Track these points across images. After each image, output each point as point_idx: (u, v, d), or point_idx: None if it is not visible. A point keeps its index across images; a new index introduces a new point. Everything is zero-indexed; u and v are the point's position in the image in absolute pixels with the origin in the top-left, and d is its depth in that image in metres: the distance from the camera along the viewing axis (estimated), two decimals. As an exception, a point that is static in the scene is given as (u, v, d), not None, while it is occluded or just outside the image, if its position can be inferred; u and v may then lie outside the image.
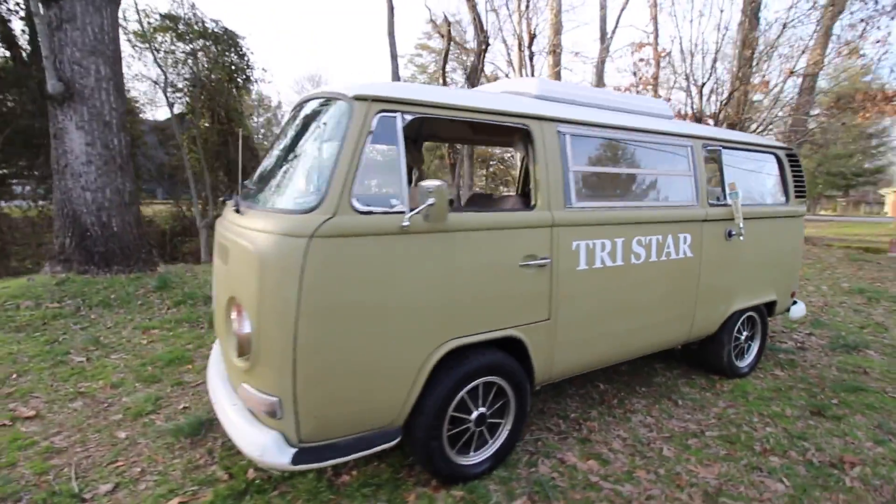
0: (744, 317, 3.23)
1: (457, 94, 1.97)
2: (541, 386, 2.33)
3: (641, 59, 14.93)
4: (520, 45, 13.24)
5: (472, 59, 13.05)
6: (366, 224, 1.65)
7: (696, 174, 2.77)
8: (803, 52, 10.97)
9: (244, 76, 10.69)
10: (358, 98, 1.71)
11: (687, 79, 12.66)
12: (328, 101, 1.85)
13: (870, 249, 10.59)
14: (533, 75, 14.20)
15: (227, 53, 10.41)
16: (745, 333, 3.32)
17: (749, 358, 3.38)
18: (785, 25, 10.46)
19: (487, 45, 9.93)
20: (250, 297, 1.63)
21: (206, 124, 9.75)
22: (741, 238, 2.96)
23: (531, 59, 13.92)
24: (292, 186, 1.79)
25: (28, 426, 2.31)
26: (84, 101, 4.32)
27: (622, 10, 21.47)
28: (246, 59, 10.80)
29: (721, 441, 2.48)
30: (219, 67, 10.10)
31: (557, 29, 12.55)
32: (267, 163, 2.17)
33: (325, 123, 1.81)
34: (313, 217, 1.59)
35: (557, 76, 12.69)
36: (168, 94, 9.57)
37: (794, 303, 3.66)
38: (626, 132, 2.46)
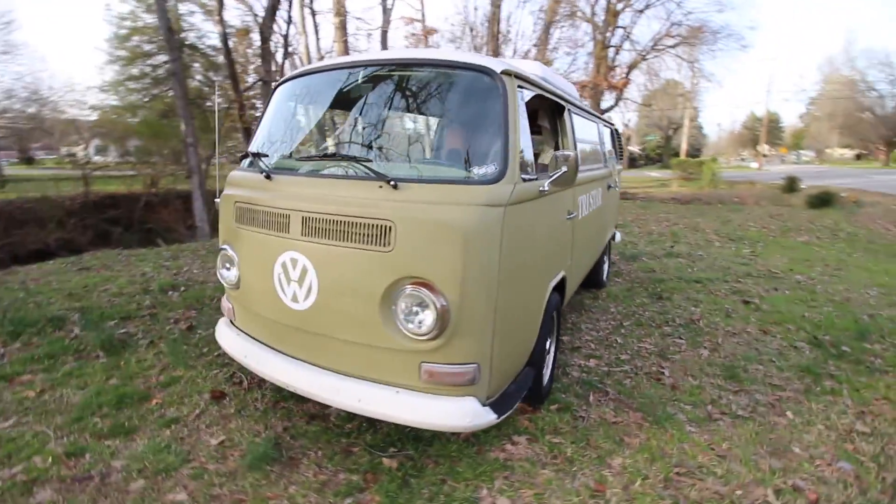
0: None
1: (550, 79, 2.23)
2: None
3: (413, 34, 16.11)
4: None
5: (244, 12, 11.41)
6: (527, 190, 1.83)
7: (603, 145, 3.76)
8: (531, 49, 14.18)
9: None
10: (506, 73, 1.80)
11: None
12: (461, 72, 1.83)
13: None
14: (317, 36, 13.48)
15: None
16: (605, 256, 4.71)
17: (605, 272, 4.83)
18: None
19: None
20: (451, 271, 1.60)
21: None
22: (617, 189, 4.19)
23: (314, 16, 13.17)
24: (457, 157, 1.75)
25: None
26: None
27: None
28: None
29: (635, 326, 3.65)
30: None
31: (342, -11, 12.22)
32: (359, 129, 1.90)
33: (471, 95, 1.80)
34: (503, 187, 1.68)
35: (346, 45, 12.49)
36: None
37: (616, 232, 5.33)
38: (588, 114, 3.17)
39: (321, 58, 12.65)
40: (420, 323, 1.65)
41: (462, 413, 1.69)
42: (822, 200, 11.22)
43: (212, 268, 4.89)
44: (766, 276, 5.16)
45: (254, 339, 2.15)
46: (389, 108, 1.95)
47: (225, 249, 2.18)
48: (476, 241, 1.61)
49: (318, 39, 12.87)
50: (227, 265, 2.19)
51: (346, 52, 12.47)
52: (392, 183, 1.65)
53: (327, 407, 2.32)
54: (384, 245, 1.66)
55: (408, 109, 1.92)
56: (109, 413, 2.18)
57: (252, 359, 2.05)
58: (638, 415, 2.38)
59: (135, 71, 18.22)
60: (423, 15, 15.59)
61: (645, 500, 1.78)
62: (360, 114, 2.04)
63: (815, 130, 50.27)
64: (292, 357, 1.98)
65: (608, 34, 19.15)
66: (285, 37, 9.71)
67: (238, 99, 9.87)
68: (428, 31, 15.64)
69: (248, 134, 10.46)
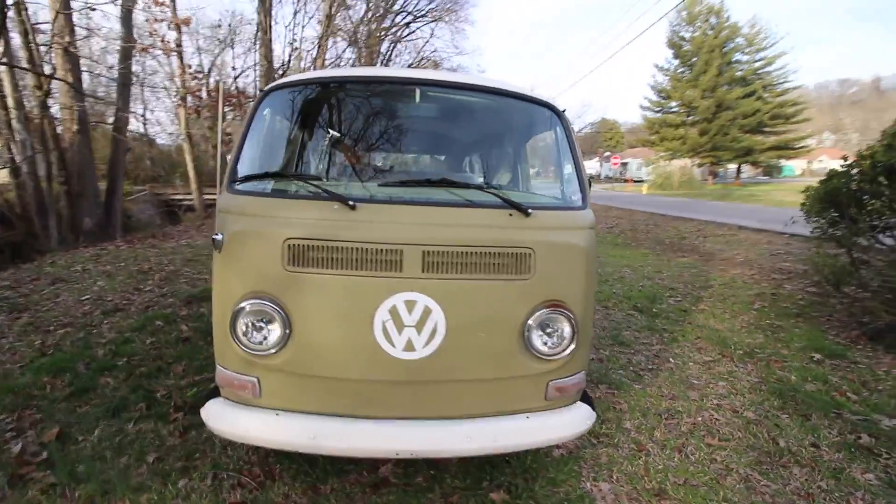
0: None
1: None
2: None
3: (158, 20, 13.53)
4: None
5: None
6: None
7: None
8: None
9: None
10: (564, 111, 2.04)
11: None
12: (527, 105, 1.94)
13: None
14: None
15: None
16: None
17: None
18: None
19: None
20: (578, 289, 1.76)
21: None
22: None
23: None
24: (555, 186, 1.86)
25: None
26: None
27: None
28: None
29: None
30: None
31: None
32: (436, 153, 1.72)
33: (542, 131, 1.93)
34: (589, 211, 1.93)
35: (69, 19, 9.28)
36: None
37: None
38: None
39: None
40: (558, 343, 1.73)
41: (582, 418, 1.85)
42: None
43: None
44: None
45: (312, 413, 1.68)
46: (460, 133, 1.89)
47: (248, 306, 1.61)
48: (590, 260, 1.81)
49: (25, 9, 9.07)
50: (261, 323, 1.63)
51: (70, 26, 9.32)
52: (528, 211, 1.67)
53: (375, 470, 2.01)
54: (524, 273, 1.66)
55: (478, 135, 1.90)
56: None
57: (329, 438, 1.61)
58: (603, 386, 2.98)
59: None
60: (173, 3, 13.10)
61: (670, 443, 2.35)
62: (426, 135, 1.88)
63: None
64: (391, 419, 1.67)
65: (373, 57, 20.50)
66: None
67: None
68: (183, 21, 13.26)
69: None
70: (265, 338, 1.64)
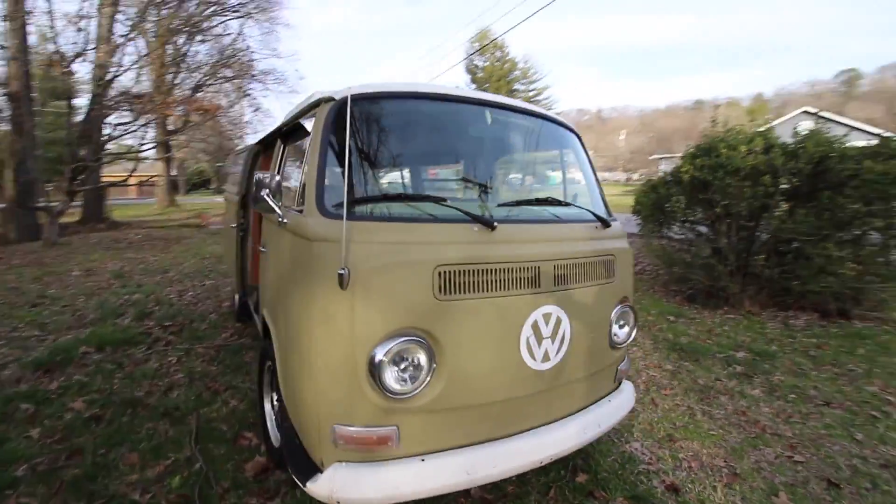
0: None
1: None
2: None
3: None
4: None
5: None
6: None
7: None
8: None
9: None
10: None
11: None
12: (556, 127, 2.21)
13: (187, 226, 13.28)
14: None
15: None
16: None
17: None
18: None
19: None
20: (630, 285, 2.13)
21: None
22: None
23: None
24: (594, 202, 2.16)
25: None
26: None
27: None
28: None
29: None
30: None
31: None
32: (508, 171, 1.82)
33: (566, 150, 2.22)
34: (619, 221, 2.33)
35: None
36: None
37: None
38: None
39: None
40: (628, 331, 2.07)
41: (632, 391, 2.24)
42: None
43: None
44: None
45: (456, 448, 1.59)
46: (527, 153, 2.04)
47: (393, 346, 1.44)
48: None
49: None
50: (406, 363, 1.47)
51: None
52: (609, 223, 1.95)
53: (466, 494, 1.99)
54: (611, 276, 1.94)
55: (538, 156, 2.08)
56: None
57: (484, 468, 1.56)
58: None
59: None
60: None
61: (645, 399, 2.95)
62: (498, 155, 1.97)
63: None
64: (528, 431, 1.72)
65: (163, 48, 17.35)
66: None
67: None
68: None
69: None
70: (409, 378, 1.48)
